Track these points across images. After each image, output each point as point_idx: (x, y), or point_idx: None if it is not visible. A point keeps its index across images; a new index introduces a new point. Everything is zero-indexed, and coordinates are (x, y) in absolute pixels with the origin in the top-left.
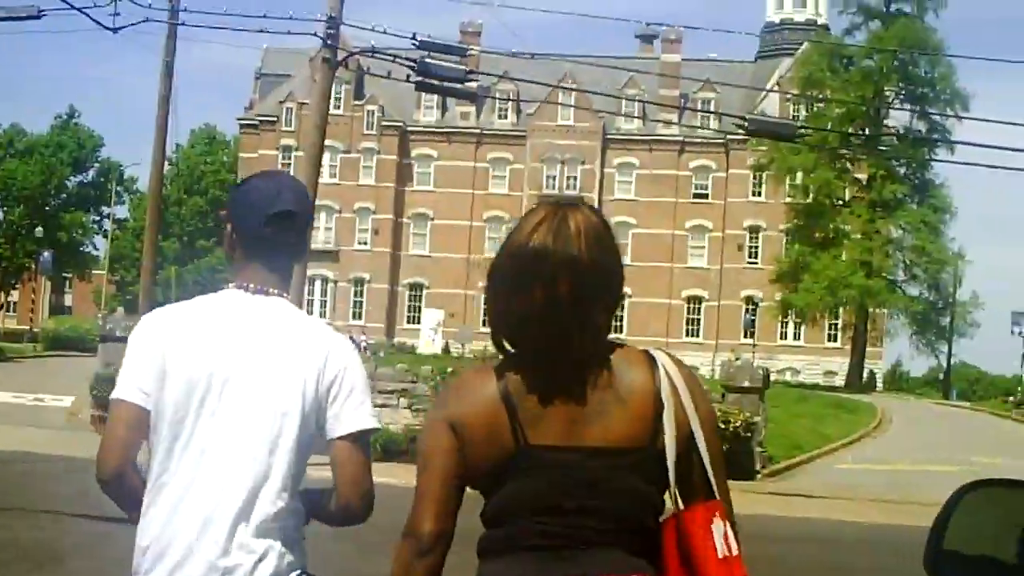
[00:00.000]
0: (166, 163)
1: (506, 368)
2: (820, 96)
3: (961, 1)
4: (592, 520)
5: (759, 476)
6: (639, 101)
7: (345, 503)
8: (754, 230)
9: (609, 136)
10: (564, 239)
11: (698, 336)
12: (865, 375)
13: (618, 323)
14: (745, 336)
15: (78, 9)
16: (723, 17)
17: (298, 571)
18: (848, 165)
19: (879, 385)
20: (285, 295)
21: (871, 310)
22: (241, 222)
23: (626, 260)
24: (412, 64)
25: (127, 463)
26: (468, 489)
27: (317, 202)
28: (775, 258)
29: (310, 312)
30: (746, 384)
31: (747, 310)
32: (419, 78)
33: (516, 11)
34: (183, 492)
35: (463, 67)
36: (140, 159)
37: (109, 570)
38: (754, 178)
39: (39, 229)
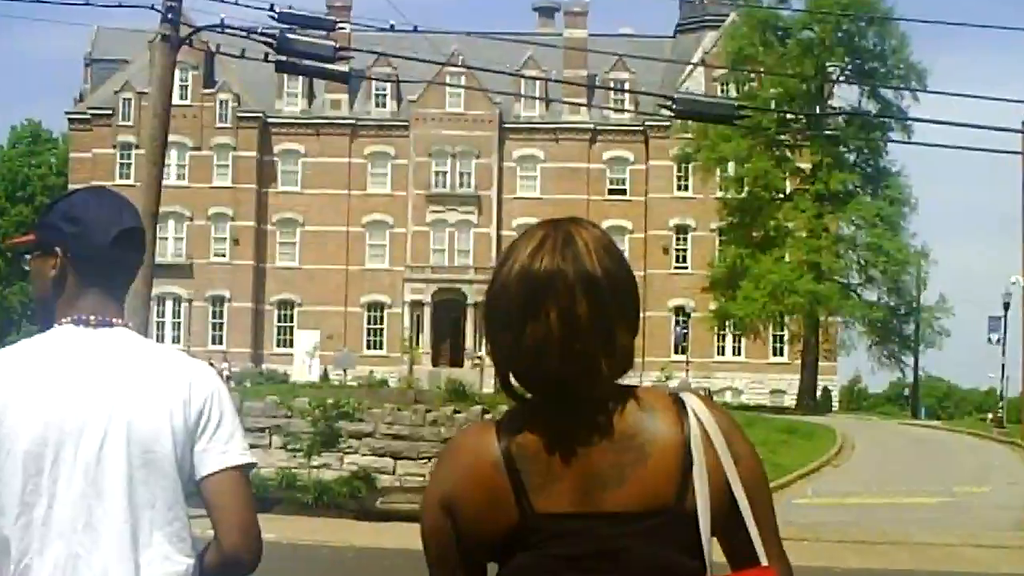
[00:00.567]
0: None
1: (511, 422)
2: (752, 73)
3: None
4: None
5: None
6: (541, 81)
7: (232, 552)
8: (681, 230)
9: (507, 125)
10: (575, 255)
11: None
12: (819, 393)
13: None
14: (676, 352)
15: None
16: None
17: None
18: (788, 153)
19: (835, 404)
20: (129, 324)
21: (822, 318)
22: (79, 243)
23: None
24: (270, 41)
25: None
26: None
27: (163, 208)
28: (707, 262)
29: (160, 338)
30: None
31: (677, 322)
32: (279, 57)
33: None
34: (54, 572)
35: (331, 43)
36: None
37: None
38: (679, 170)
39: None
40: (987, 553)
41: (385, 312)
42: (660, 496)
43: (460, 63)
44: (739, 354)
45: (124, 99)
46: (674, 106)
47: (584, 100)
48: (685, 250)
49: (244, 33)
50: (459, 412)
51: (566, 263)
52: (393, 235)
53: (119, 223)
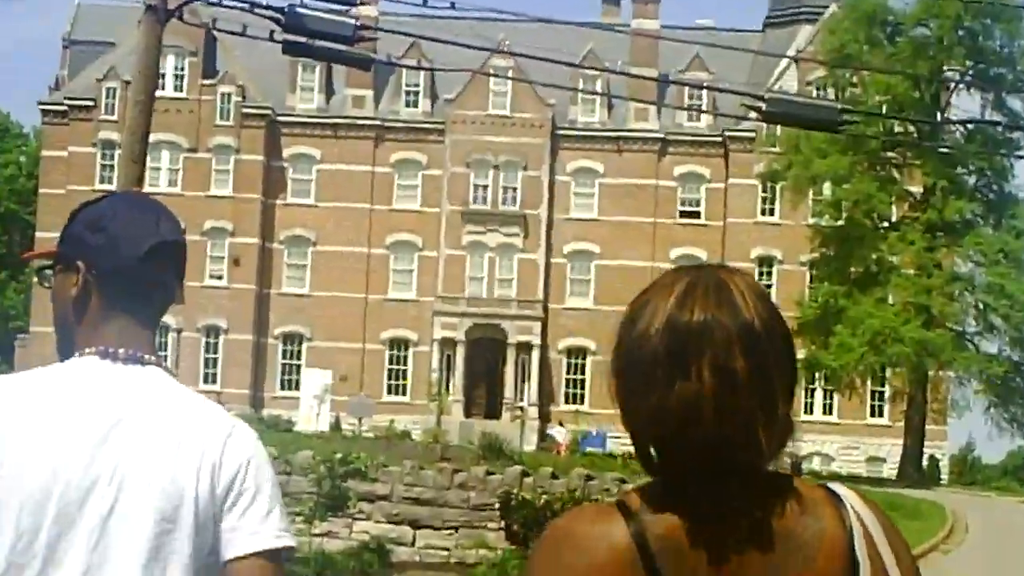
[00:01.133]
0: None
1: (642, 504)
2: (854, 76)
3: None
4: None
5: None
6: (603, 79)
7: None
8: (765, 262)
9: (561, 131)
10: (731, 304)
11: None
12: (925, 463)
13: (581, 390)
14: None
15: None
16: None
17: None
18: (896, 173)
19: (944, 477)
20: (163, 362)
21: (931, 373)
22: (105, 257)
23: (586, 303)
24: (277, 17)
25: None
26: None
27: None
28: (795, 301)
29: None
30: None
31: None
32: (287, 36)
33: None
34: None
35: (351, 20)
36: None
37: None
38: (764, 190)
39: None
40: None
41: (410, 351)
42: None
43: (508, 55)
44: (830, 413)
45: (108, 88)
46: (764, 107)
47: (653, 102)
48: (770, 286)
49: (246, 5)
50: (494, 474)
51: (721, 313)
52: (422, 259)
53: (155, 234)
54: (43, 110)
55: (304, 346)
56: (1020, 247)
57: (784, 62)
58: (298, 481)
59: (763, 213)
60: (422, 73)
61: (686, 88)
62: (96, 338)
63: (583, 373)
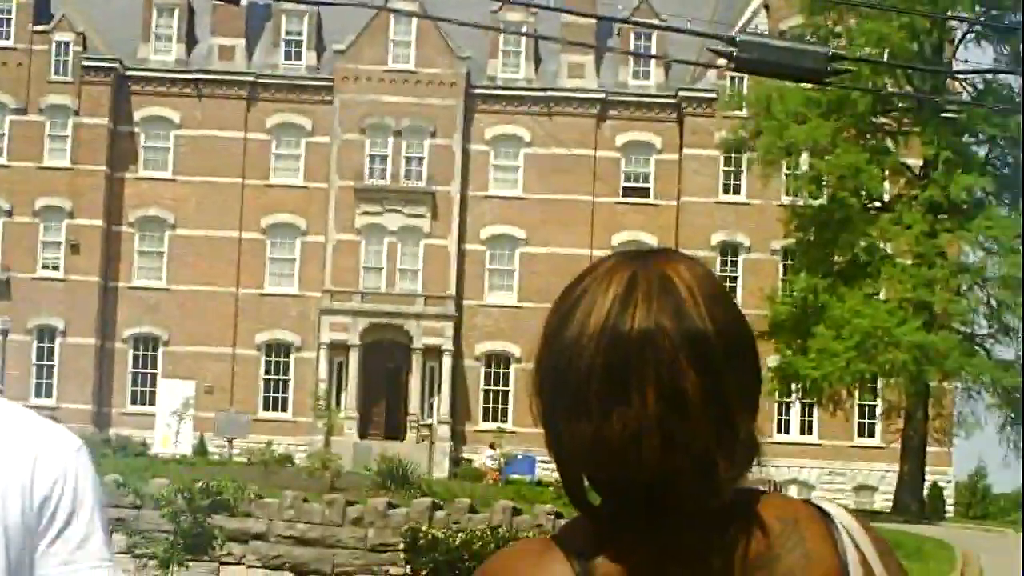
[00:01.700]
0: None
1: (584, 543)
2: (838, 25)
3: None
4: None
5: None
6: (529, 27)
7: None
8: (729, 250)
9: (478, 89)
10: (677, 307)
11: None
12: (925, 492)
13: (503, 404)
14: None
15: None
16: None
17: None
18: (890, 143)
19: (950, 509)
20: None
21: (933, 384)
22: None
23: (509, 299)
24: None
25: None
26: None
27: None
28: (766, 296)
29: None
30: None
31: None
32: None
33: None
34: None
35: None
36: None
37: None
38: (727, 164)
39: None
40: None
41: (292, 357)
42: None
43: None
44: (810, 432)
45: None
46: (734, 52)
47: (590, 58)
48: (735, 278)
49: None
50: (397, 506)
51: (665, 318)
52: (306, 246)
53: None
54: None
55: (160, 351)
56: None
57: (752, 6)
58: (151, 516)
59: (726, 191)
60: (306, 18)
61: (632, 35)
62: None
63: (505, 384)
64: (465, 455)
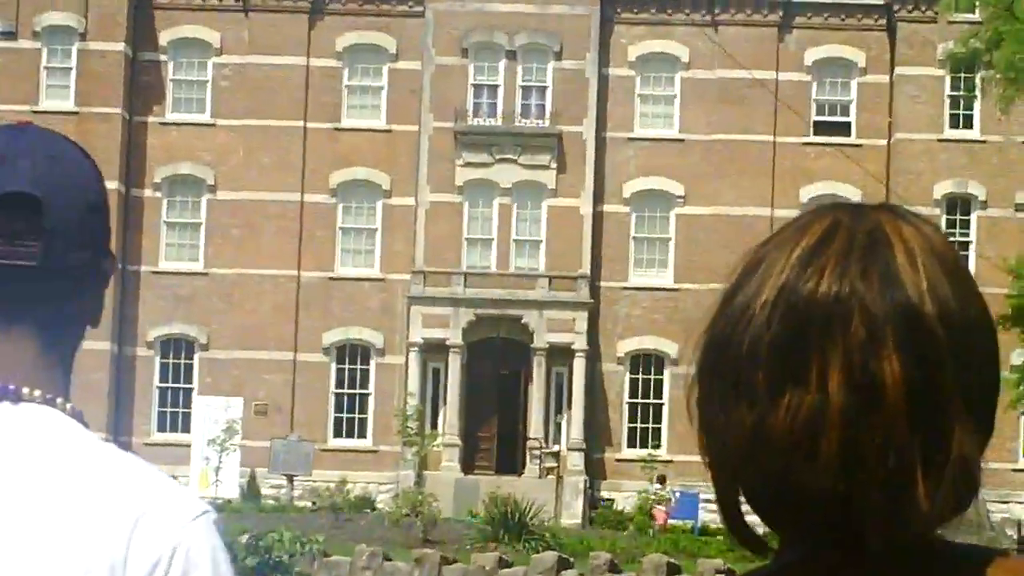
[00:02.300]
0: None
1: None
2: None
3: None
4: None
5: None
6: None
7: None
8: (957, 205)
9: None
10: (888, 274)
11: None
12: None
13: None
14: None
15: None
16: None
17: None
18: None
19: None
20: (58, 399)
21: None
22: None
23: (663, 279)
24: None
25: None
26: None
27: None
28: (1007, 268)
29: None
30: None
31: None
32: None
33: None
34: None
35: None
36: None
37: None
38: (955, 86)
39: None
40: None
41: (372, 364)
42: None
43: None
44: None
45: None
46: None
47: None
48: (965, 243)
49: None
50: (510, 564)
51: (867, 284)
52: (390, 211)
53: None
54: None
55: (196, 358)
56: None
57: None
58: None
59: (954, 124)
60: None
61: None
62: None
63: (658, 395)
64: (605, 493)
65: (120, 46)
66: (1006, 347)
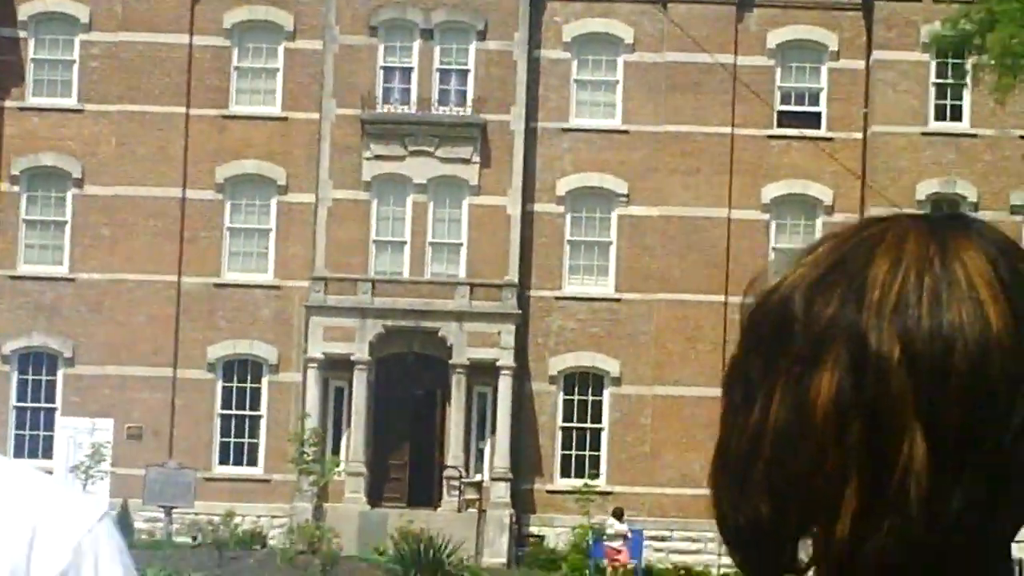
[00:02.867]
0: None
1: None
2: None
3: None
4: None
5: None
6: None
7: None
8: (945, 208)
9: None
10: (956, 301)
11: None
12: None
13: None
14: None
15: None
16: None
17: None
18: None
19: None
20: None
21: None
22: None
23: (603, 288)
24: None
25: None
26: None
27: None
28: None
29: None
30: None
31: None
32: None
33: None
34: None
35: None
36: None
37: None
38: (941, 73)
39: None
40: None
41: (265, 382)
42: None
43: None
44: None
45: None
46: None
47: None
48: None
49: None
50: None
51: (935, 313)
52: (286, 209)
53: None
54: None
55: (59, 374)
56: None
57: None
58: None
59: (939, 116)
60: None
61: None
62: None
63: (597, 419)
64: (534, 528)
65: None
66: None
